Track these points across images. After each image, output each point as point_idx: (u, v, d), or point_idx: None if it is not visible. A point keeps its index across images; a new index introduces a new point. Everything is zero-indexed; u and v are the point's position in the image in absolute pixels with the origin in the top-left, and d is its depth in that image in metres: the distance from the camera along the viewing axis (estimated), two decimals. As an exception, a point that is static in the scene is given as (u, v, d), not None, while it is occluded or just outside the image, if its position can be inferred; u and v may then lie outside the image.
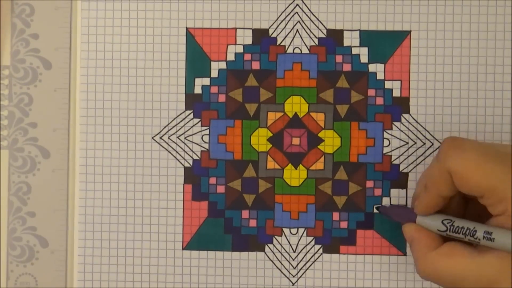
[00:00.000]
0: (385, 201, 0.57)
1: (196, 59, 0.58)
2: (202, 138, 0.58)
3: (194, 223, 0.58)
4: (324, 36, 0.57)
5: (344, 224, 0.57)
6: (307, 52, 0.57)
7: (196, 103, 0.58)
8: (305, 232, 0.58)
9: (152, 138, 0.58)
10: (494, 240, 0.49)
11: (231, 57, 0.58)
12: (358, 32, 0.57)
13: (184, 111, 0.58)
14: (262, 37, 0.57)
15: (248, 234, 0.58)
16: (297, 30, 0.57)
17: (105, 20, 0.58)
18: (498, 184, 0.48)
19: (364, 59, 0.57)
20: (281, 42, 0.57)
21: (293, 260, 0.58)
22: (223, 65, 0.58)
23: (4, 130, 0.58)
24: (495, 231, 0.49)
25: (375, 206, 0.57)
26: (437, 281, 0.51)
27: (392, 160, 0.57)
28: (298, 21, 0.57)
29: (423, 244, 0.52)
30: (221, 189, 0.58)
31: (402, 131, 0.57)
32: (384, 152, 0.57)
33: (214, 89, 0.58)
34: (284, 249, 0.58)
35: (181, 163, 0.58)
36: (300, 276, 0.58)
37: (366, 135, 0.57)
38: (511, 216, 0.48)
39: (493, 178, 0.48)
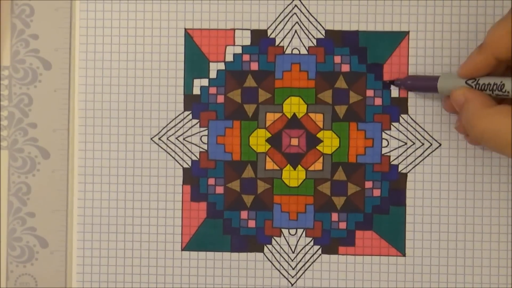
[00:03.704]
0: (384, 201, 0.57)
1: (195, 60, 0.58)
2: (200, 139, 0.58)
3: (193, 223, 0.58)
4: (322, 37, 0.57)
5: (343, 225, 0.57)
6: (306, 52, 0.57)
7: (194, 104, 0.58)
8: (304, 233, 0.58)
9: (151, 139, 0.58)
10: None
11: (229, 58, 0.58)
12: (357, 32, 0.57)
13: (183, 112, 0.58)
14: (260, 38, 0.57)
15: (247, 234, 0.58)
16: (296, 31, 0.57)
17: (103, 21, 0.58)
18: None
19: (362, 59, 0.57)
20: (280, 43, 0.57)
21: (292, 260, 0.58)
22: (221, 66, 0.58)
23: (4, 131, 0.59)
24: None
25: (388, 81, 0.57)
26: (491, 139, 0.49)
27: (391, 160, 0.57)
28: (297, 22, 0.57)
29: (479, 101, 0.50)
30: (220, 189, 0.58)
31: (400, 131, 0.57)
32: (382, 152, 0.57)
33: (212, 90, 0.58)
34: (283, 249, 0.58)
35: (180, 164, 0.58)
36: (299, 277, 0.58)
37: (364, 135, 0.57)
38: None
39: None
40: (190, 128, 0.58)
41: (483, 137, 0.50)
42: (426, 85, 0.55)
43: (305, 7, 0.57)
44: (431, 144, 0.57)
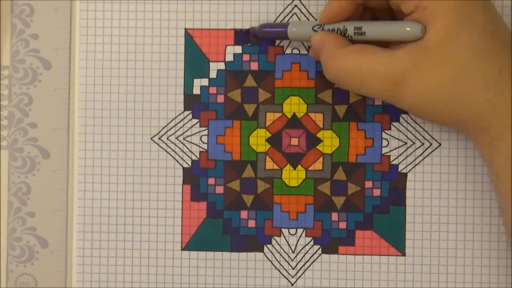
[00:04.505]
0: (384, 201, 0.57)
1: (195, 59, 0.58)
2: (200, 138, 0.58)
3: (193, 223, 0.58)
4: (322, 37, 0.57)
5: (343, 225, 0.57)
6: (306, 52, 0.57)
7: (194, 104, 0.58)
8: (304, 233, 0.58)
9: (151, 138, 0.58)
10: (365, 33, 0.50)
11: (229, 57, 0.58)
12: (357, 32, 0.57)
13: (183, 112, 0.58)
14: (260, 38, 0.57)
15: (247, 234, 0.58)
16: (296, 31, 0.57)
17: (103, 21, 0.58)
18: None
19: (362, 59, 0.57)
20: (280, 42, 0.57)
21: (292, 260, 0.58)
22: (221, 65, 0.58)
23: (4, 130, 0.59)
24: (364, 24, 0.50)
25: (244, 30, 0.57)
26: (346, 78, 0.51)
27: (390, 160, 0.57)
28: (297, 22, 0.57)
29: (334, 43, 0.51)
30: (219, 189, 0.58)
31: (400, 131, 0.57)
32: (382, 152, 0.57)
33: (212, 90, 0.58)
34: (283, 249, 0.58)
35: (179, 163, 0.58)
36: (299, 277, 0.58)
37: (364, 135, 0.57)
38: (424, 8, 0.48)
39: None
40: (190, 128, 0.58)
41: (338, 77, 0.51)
42: (278, 31, 0.55)
43: (305, 7, 0.57)
44: (431, 144, 0.57)
